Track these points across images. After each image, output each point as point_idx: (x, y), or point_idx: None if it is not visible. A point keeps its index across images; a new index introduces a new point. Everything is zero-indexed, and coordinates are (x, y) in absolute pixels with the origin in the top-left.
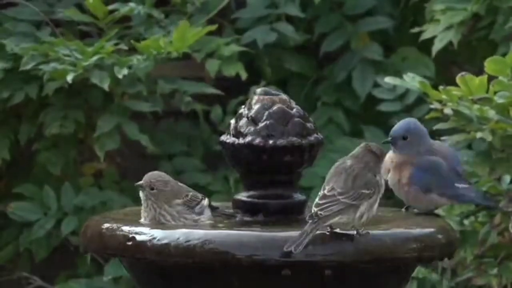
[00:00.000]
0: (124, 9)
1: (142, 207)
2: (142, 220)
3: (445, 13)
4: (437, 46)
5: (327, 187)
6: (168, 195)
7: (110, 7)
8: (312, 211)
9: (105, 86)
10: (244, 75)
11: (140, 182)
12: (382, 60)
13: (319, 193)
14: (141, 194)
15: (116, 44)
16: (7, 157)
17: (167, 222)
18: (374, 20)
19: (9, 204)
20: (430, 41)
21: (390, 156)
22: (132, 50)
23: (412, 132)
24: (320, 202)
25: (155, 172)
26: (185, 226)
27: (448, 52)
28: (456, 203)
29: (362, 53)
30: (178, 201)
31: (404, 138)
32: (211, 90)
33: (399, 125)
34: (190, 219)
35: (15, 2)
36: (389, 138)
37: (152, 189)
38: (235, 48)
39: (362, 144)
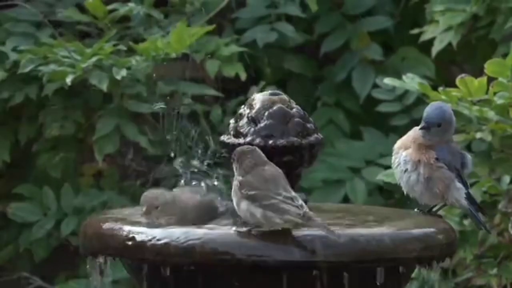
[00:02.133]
0: (123, 9)
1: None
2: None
3: (445, 14)
4: (436, 47)
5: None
6: (173, 205)
7: (110, 7)
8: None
9: (104, 87)
10: (243, 76)
11: (144, 211)
12: (382, 59)
13: (283, 196)
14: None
15: (115, 45)
16: (7, 158)
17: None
18: (374, 20)
19: (9, 205)
20: (430, 41)
21: (412, 135)
22: (131, 50)
23: (447, 120)
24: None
25: (149, 192)
26: (185, 226)
27: (447, 52)
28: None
29: (362, 53)
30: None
31: (439, 125)
32: (211, 92)
33: (435, 113)
34: None
35: (15, 3)
36: (424, 124)
37: (157, 207)
38: (234, 48)
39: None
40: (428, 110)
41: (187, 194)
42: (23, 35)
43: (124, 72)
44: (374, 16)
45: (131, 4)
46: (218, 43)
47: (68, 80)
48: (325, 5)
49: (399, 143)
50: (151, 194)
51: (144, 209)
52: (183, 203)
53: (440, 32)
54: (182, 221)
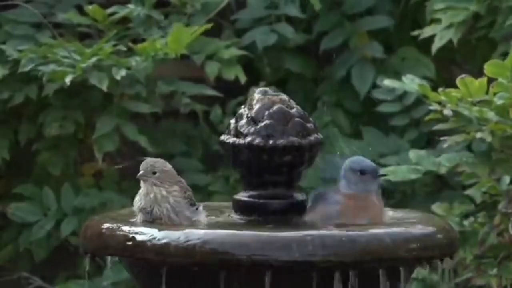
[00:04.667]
0: (123, 11)
1: (138, 196)
2: (134, 208)
3: (446, 12)
4: (437, 44)
5: None
6: (171, 175)
7: (110, 10)
8: None
9: (104, 87)
10: (243, 79)
11: (140, 173)
12: (382, 57)
13: None
14: (143, 185)
15: (115, 45)
16: (7, 156)
17: (161, 213)
18: (374, 19)
19: (9, 206)
20: (430, 41)
21: (364, 197)
22: (131, 51)
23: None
24: None
25: (149, 158)
26: (185, 226)
27: (447, 52)
28: None
29: (361, 51)
30: (176, 190)
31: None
32: (210, 92)
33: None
34: (186, 217)
35: (14, 4)
36: (380, 172)
37: (154, 173)
38: (234, 52)
39: None
40: (365, 162)
41: None
42: (23, 37)
43: (123, 72)
44: (374, 15)
45: (131, 6)
46: (218, 46)
47: (68, 80)
48: (325, 4)
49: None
50: (150, 161)
51: (141, 173)
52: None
53: (440, 30)
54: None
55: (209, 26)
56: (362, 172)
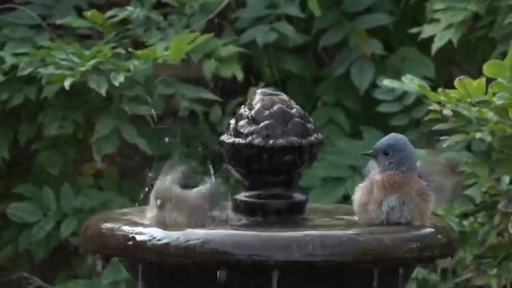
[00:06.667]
0: (123, 14)
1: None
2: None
3: (446, 12)
4: (437, 44)
5: None
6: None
7: (109, 12)
8: None
9: (103, 91)
10: (240, 76)
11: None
12: (382, 54)
13: None
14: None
15: (114, 47)
16: (7, 157)
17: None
18: (373, 18)
19: (9, 206)
20: (430, 40)
21: (379, 178)
22: (131, 54)
23: (396, 149)
24: None
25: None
26: (185, 226)
27: (447, 51)
28: None
29: (361, 49)
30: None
31: (386, 154)
32: (210, 95)
33: (383, 142)
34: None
35: (13, 6)
36: (371, 152)
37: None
38: (232, 49)
39: None
40: (379, 142)
41: (194, 192)
42: (21, 40)
43: (122, 78)
44: (373, 14)
45: (130, 8)
46: (217, 44)
47: (67, 84)
48: (324, 3)
49: (363, 197)
50: (163, 187)
51: (158, 202)
52: (192, 200)
53: (440, 30)
54: (190, 220)
55: (210, 35)
56: (373, 153)
